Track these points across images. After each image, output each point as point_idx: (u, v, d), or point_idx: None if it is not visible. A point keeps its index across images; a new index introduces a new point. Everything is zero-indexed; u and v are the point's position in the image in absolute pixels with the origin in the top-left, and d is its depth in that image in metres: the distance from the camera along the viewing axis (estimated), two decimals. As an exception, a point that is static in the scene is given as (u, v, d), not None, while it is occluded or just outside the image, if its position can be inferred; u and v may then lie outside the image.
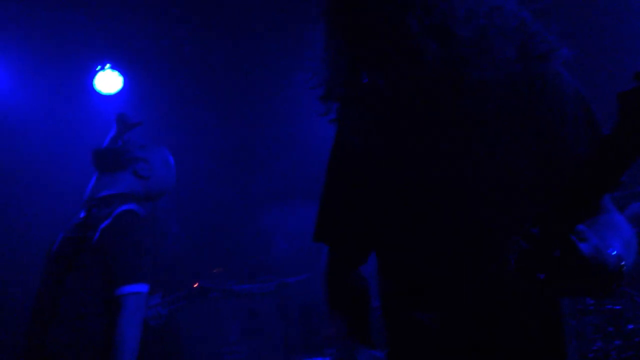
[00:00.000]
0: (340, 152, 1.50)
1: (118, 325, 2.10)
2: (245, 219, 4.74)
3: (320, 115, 1.39)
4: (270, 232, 4.66)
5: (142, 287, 2.18)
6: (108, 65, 4.74)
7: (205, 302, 4.44)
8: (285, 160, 4.85)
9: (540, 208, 0.92)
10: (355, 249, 1.52)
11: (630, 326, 2.82)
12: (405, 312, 1.29)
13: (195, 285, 4.85)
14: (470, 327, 1.21)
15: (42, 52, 4.41)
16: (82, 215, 2.41)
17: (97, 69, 4.74)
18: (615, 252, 0.98)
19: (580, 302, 2.93)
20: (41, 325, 2.25)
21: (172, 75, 4.97)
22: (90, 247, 2.23)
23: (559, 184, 1.10)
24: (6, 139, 4.21)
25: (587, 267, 0.91)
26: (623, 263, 0.99)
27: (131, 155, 2.59)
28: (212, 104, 5.08)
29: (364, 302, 1.50)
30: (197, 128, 5.05)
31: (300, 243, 4.67)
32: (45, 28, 4.26)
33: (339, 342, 1.44)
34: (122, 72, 4.81)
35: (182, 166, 5.02)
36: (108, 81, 4.74)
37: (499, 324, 1.20)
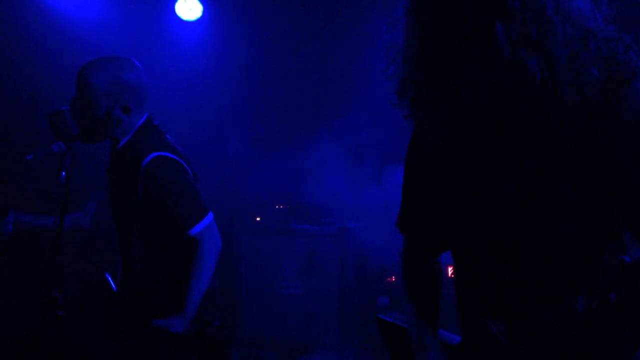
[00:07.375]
0: (417, 148, 1.50)
1: (200, 257, 2.30)
2: (312, 163, 4.74)
3: (393, 106, 1.39)
4: (336, 178, 4.65)
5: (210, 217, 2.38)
6: (189, -7, 4.76)
7: (266, 237, 4.54)
8: (357, 118, 4.77)
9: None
10: (431, 243, 1.56)
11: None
12: (477, 316, 1.30)
13: (257, 219, 4.95)
14: (536, 352, 1.19)
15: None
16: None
17: (179, -5, 4.77)
18: None
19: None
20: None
21: (251, 7, 4.93)
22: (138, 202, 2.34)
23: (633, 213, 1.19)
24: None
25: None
26: None
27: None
28: (289, 40, 5.01)
29: (436, 290, 1.55)
30: (270, 64, 5.02)
31: (361, 191, 4.64)
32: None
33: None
34: (201, 1, 4.87)
35: (254, 99, 5.05)
36: (189, 8, 4.81)
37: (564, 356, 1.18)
